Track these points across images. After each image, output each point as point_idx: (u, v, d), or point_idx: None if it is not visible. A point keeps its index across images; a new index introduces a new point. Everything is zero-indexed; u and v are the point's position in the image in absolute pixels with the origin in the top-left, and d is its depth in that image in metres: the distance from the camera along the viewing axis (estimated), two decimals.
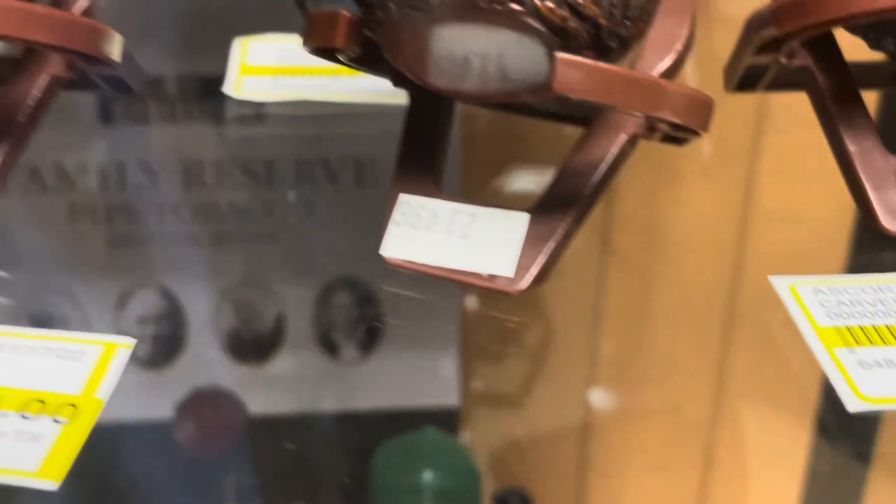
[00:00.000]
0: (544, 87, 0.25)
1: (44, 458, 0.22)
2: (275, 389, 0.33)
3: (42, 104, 0.31)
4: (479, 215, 0.29)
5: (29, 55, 0.31)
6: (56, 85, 0.31)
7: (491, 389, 0.32)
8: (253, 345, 0.36)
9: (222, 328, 0.36)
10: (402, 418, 0.32)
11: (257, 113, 0.40)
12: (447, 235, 0.29)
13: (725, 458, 0.29)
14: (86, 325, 0.36)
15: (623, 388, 0.32)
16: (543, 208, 0.28)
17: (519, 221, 0.28)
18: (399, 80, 0.31)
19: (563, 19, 0.24)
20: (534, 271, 0.27)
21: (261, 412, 0.31)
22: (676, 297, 0.33)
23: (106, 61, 0.30)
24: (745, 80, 0.35)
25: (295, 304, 0.37)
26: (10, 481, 0.22)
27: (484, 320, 0.33)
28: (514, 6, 0.24)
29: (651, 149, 0.31)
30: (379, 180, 0.41)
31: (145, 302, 0.36)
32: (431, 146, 0.30)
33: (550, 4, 0.24)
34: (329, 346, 0.37)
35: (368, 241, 0.37)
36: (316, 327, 0.38)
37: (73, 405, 0.24)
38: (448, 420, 0.35)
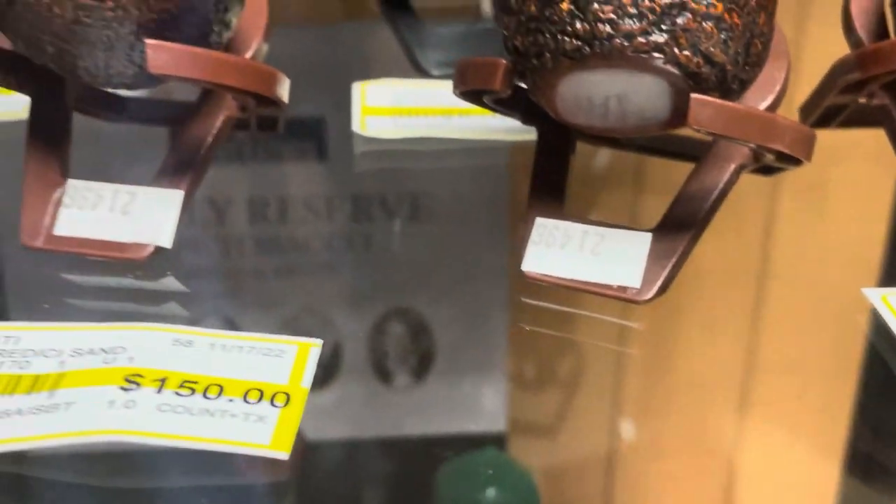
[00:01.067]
0: (678, 123, 0.29)
1: (272, 434, 0.26)
2: (330, 415, 0.35)
3: (217, 142, 0.35)
4: (607, 234, 0.33)
5: (207, 98, 0.35)
6: (229, 125, 0.35)
7: (532, 417, 0.35)
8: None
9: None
10: (452, 443, 0.34)
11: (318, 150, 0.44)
12: (579, 252, 0.33)
13: (750, 490, 0.32)
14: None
15: (647, 420, 0.35)
16: (663, 228, 0.33)
17: (642, 240, 0.32)
18: (528, 118, 0.36)
19: (698, 65, 0.28)
20: (658, 283, 0.32)
21: (316, 438, 0.33)
22: (700, 327, 0.36)
23: (278, 103, 0.34)
24: (821, 117, 0.39)
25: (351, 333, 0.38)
26: (248, 452, 0.26)
27: (528, 351, 0.36)
28: (657, 55, 0.28)
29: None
30: (433, 215, 0.44)
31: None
32: (558, 174, 0.35)
33: (687, 53, 0.28)
34: (383, 374, 0.39)
35: (421, 272, 0.41)
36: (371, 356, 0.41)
37: (286, 393, 0.28)
38: (496, 445, 0.35)
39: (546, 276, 0.33)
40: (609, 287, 0.32)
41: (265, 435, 0.26)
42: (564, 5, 0.28)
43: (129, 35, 0.30)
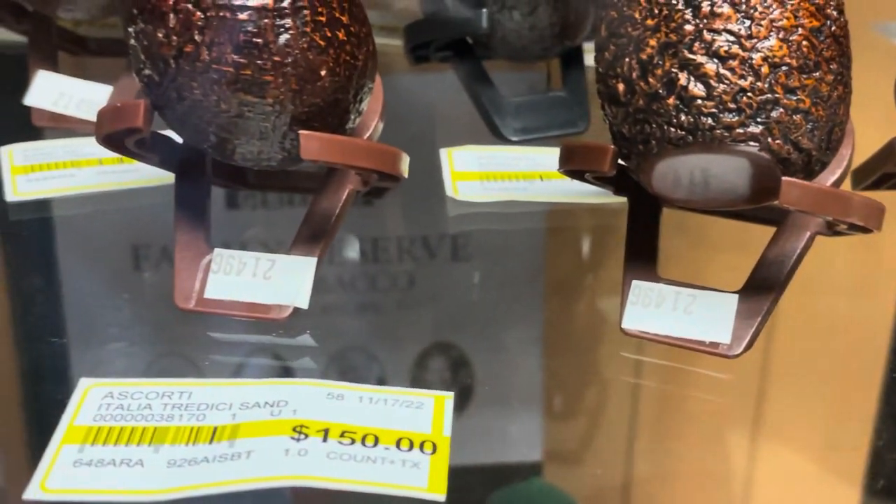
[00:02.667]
0: (765, 200, 0.33)
1: (427, 478, 0.30)
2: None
3: (343, 213, 0.39)
4: (698, 295, 0.37)
5: (334, 173, 0.39)
6: (353, 196, 0.40)
7: (565, 446, 0.39)
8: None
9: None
10: (493, 472, 0.36)
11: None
12: (673, 312, 0.37)
13: None
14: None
15: (662, 449, 0.38)
16: (748, 290, 0.37)
17: (730, 300, 0.37)
18: (620, 189, 0.40)
19: (788, 152, 0.33)
20: (746, 340, 0.36)
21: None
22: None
23: (399, 178, 0.38)
24: (875, 182, 0.44)
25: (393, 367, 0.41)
26: (408, 494, 0.30)
27: (562, 381, 0.40)
28: (752, 144, 0.32)
29: None
30: (471, 255, 0.48)
31: (234, 372, 0.39)
32: (650, 240, 0.39)
33: (779, 142, 0.32)
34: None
35: (461, 309, 0.44)
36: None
37: (432, 441, 0.32)
38: (534, 474, 0.38)
39: (644, 333, 0.37)
40: (702, 343, 0.36)
41: (422, 479, 0.30)
42: (671, 101, 0.33)
43: (283, 126, 0.34)
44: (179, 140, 0.39)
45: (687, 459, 0.37)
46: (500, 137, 0.52)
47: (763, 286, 0.36)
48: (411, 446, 0.31)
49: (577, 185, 0.47)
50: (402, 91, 0.59)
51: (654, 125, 0.33)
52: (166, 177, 0.43)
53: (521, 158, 0.50)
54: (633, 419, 0.38)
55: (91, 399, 0.33)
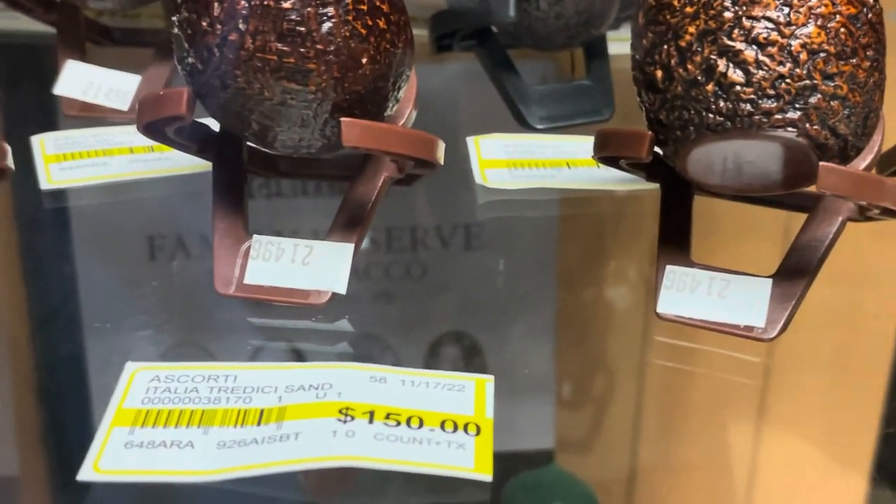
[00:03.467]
0: (801, 185, 0.34)
1: (474, 459, 0.31)
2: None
3: (379, 200, 0.40)
4: (732, 280, 0.37)
5: (370, 160, 0.40)
6: (388, 183, 0.40)
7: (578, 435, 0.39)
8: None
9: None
10: (506, 460, 0.35)
11: None
12: (707, 296, 0.37)
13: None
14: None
15: (666, 440, 0.39)
16: (782, 275, 0.37)
17: (764, 285, 0.37)
18: (652, 175, 0.40)
19: (825, 138, 0.33)
20: (781, 323, 0.36)
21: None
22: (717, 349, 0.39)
23: (436, 165, 0.39)
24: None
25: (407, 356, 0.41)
26: (455, 475, 0.31)
27: (574, 373, 0.41)
28: (791, 129, 0.33)
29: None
30: (484, 244, 0.49)
31: (275, 356, 0.40)
32: (683, 225, 0.39)
33: (817, 127, 0.33)
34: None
35: (475, 298, 0.45)
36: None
37: (476, 423, 0.32)
38: (546, 462, 0.38)
39: (679, 317, 0.37)
40: (737, 327, 0.36)
41: (468, 460, 0.31)
42: (709, 87, 0.33)
43: (325, 113, 0.35)
44: (216, 128, 0.40)
45: (696, 447, 0.38)
46: (525, 125, 0.52)
47: (796, 270, 0.37)
48: (456, 428, 0.32)
49: (603, 172, 0.47)
50: (426, 80, 0.59)
51: (692, 111, 0.33)
52: (198, 164, 0.43)
53: (546, 146, 0.51)
54: (640, 407, 0.39)
55: (138, 383, 0.33)
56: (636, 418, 0.39)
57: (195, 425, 0.32)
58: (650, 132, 0.35)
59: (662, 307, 0.37)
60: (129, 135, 0.50)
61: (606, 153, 0.37)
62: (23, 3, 0.53)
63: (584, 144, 0.51)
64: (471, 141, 0.50)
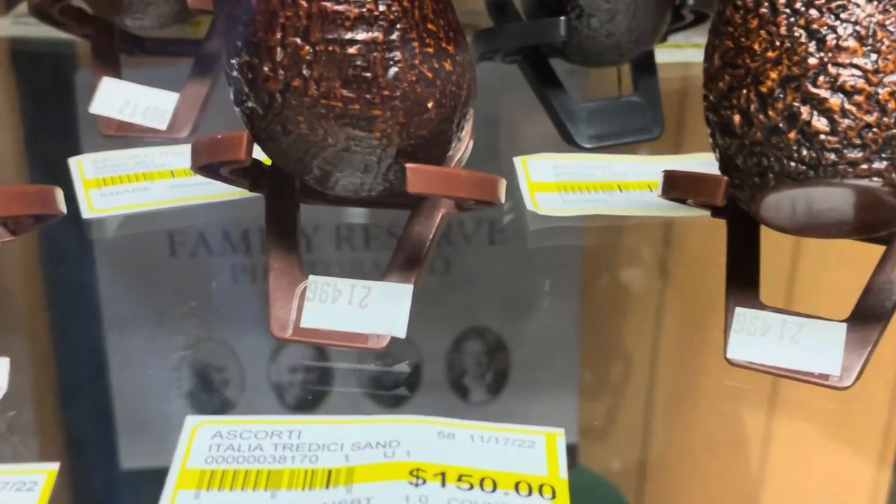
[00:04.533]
0: (881, 230, 0.33)
1: None
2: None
3: (436, 238, 0.39)
4: (804, 324, 0.36)
5: (427, 199, 0.39)
6: (446, 220, 0.39)
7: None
8: (391, 388, 0.39)
9: (364, 374, 0.39)
10: None
11: None
12: (779, 341, 0.36)
13: (779, 490, 0.34)
14: (242, 375, 0.40)
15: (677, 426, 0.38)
16: (856, 318, 0.36)
17: (838, 330, 0.36)
18: (718, 211, 0.39)
19: None
20: (856, 371, 0.35)
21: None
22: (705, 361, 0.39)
23: (497, 204, 0.38)
24: None
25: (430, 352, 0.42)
26: None
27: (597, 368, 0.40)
28: (876, 179, 0.32)
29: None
30: (507, 239, 0.48)
31: (296, 353, 0.40)
32: (751, 264, 0.38)
33: None
34: (460, 390, 0.41)
35: (497, 293, 0.44)
36: (449, 372, 0.43)
37: (550, 486, 0.31)
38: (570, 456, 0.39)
39: (750, 363, 0.36)
40: (811, 375, 0.35)
41: None
42: (792, 135, 0.32)
43: (389, 159, 0.34)
44: (268, 163, 0.39)
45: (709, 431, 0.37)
46: (572, 144, 0.51)
47: (871, 314, 0.36)
48: (530, 491, 0.31)
49: (656, 197, 0.46)
50: None
51: (772, 158, 0.32)
52: (238, 191, 0.42)
53: (596, 167, 0.49)
54: (653, 395, 0.38)
55: (200, 439, 0.32)
56: (649, 405, 0.38)
57: (262, 487, 0.31)
58: (725, 177, 0.33)
59: (732, 352, 0.36)
60: (169, 156, 0.49)
61: (676, 195, 0.36)
62: (56, 18, 0.52)
63: (635, 165, 0.50)
64: (518, 162, 0.49)
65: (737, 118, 0.33)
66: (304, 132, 0.33)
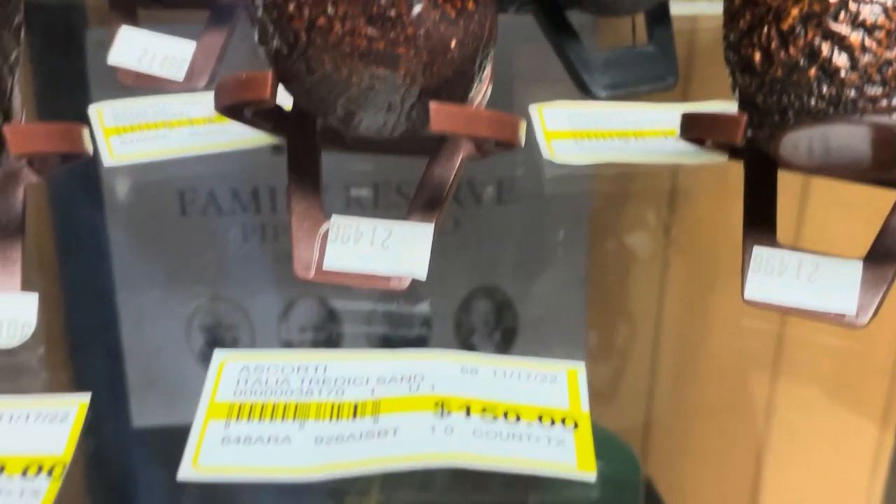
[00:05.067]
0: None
1: (576, 456, 0.31)
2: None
3: (457, 180, 0.39)
4: (821, 263, 0.37)
5: (447, 141, 0.39)
6: (465, 163, 0.39)
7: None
8: (400, 347, 0.39)
9: (374, 333, 0.40)
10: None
11: None
12: (796, 280, 0.37)
13: (781, 451, 0.35)
14: (252, 334, 0.41)
15: (682, 386, 0.38)
16: (873, 258, 0.36)
17: (855, 268, 0.36)
18: (735, 154, 0.40)
19: None
20: (872, 310, 0.36)
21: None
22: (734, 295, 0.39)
23: (517, 146, 0.38)
24: None
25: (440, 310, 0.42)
26: (559, 474, 0.30)
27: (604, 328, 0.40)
28: None
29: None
30: (517, 198, 0.48)
31: (306, 312, 0.41)
32: (768, 205, 0.38)
33: None
34: (468, 348, 0.42)
35: (506, 253, 0.44)
36: (457, 331, 0.44)
37: (573, 417, 0.32)
38: None
39: (767, 303, 0.37)
40: (827, 314, 0.36)
41: (570, 456, 0.30)
42: (812, 72, 0.32)
43: (412, 98, 0.34)
44: (289, 106, 0.39)
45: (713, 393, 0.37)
46: (587, 93, 0.51)
47: (887, 254, 0.36)
48: (553, 422, 0.31)
49: (672, 144, 0.46)
50: None
51: (792, 96, 0.32)
52: (259, 138, 0.43)
53: (611, 115, 0.50)
54: (658, 355, 0.38)
55: (228, 373, 0.33)
56: (654, 366, 0.38)
57: (290, 419, 0.31)
58: (744, 116, 0.34)
59: (750, 292, 0.37)
60: (188, 105, 0.49)
61: (695, 135, 0.36)
62: None
63: (649, 113, 0.50)
64: (534, 110, 0.49)
65: (757, 56, 0.33)
66: (328, 71, 0.33)
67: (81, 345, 0.37)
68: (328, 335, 0.39)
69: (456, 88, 0.35)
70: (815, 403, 0.35)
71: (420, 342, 0.41)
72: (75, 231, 0.43)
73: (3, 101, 0.33)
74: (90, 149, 0.36)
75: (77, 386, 0.34)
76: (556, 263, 0.43)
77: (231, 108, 0.36)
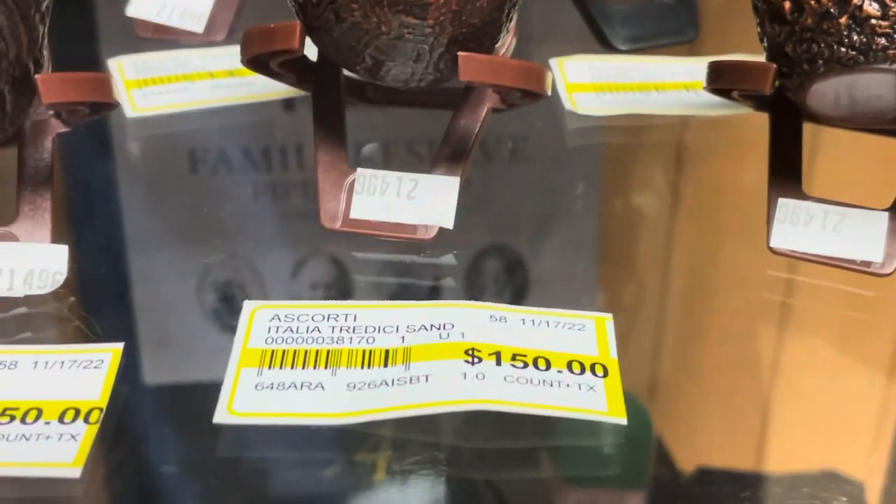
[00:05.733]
0: None
1: (606, 401, 0.31)
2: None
3: (482, 131, 0.39)
4: (847, 213, 0.37)
5: (472, 92, 0.39)
6: (490, 114, 0.39)
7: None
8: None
9: (384, 291, 0.39)
10: None
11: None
12: (822, 230, 0.37)
13: (788, 407, 0.35)
14: (263, 292, 0.40)
15: (689, 344, 0.39)
16: None
17: (880, 218, 0.37)
18: (760, 106, 0.40)
19: None
20: None
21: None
22: (742, 252, 0.39)
23: (543, 95, 0.38)
24: None
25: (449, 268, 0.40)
26: (590, 418, 0.31)
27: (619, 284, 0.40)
28: None
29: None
30: (529, 157, 0.48)
31: (317, 270, 0.41)
32: (793, 156, 0.39)
33: None
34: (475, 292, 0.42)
35: (517, 211, 0.44)
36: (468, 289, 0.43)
37: (602, 364, 0.32)
38: None
39: (793, 251, 0.37)
40: (853, 262, 0.36)
41: (601, 402, 0.31)
42: (843, 20, 0.32)
43: (440, 47, 0.34)
44: (314, 58, 0.39)
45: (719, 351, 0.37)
46: (607, 46, 0.51)
47: None
48: (583, 369, 0.32)
49: (693, 97, 0.46)
50: None
51: (822, 44, 0.32)
52: (280, 91, 0.43)
53: (632, 68, 0.50)
54: (666, 314, 0.38)
55: (259, 322, 0.33)
56: (661, 325, 0.38)
57: (322, 366, 0.32)
58: (773, 65, 0.34)
59: (776, 241, 0.37)
60: (207, 58, 0.49)
61: (722, 85, 0.36)
62: None
63: (670, 66, 0.50)
64: (555, 63, 0.49)
65: (787, 4, 0.33)
66: (357, 20, 0.33)
67: (92, 300, 0.37)
68: (340, 292, 0.39)
69: (484, 38, 0.35)
70: (823, 359, 0.35)
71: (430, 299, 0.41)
72: (86, 185, 0.43)
73: (35, 50, 0.33)
74: (117, 99, 0.36)
75: (88, 339, 0.34)
76: (569, 220, 0.43)
77: (256, 60, 0.36)
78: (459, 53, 0.33)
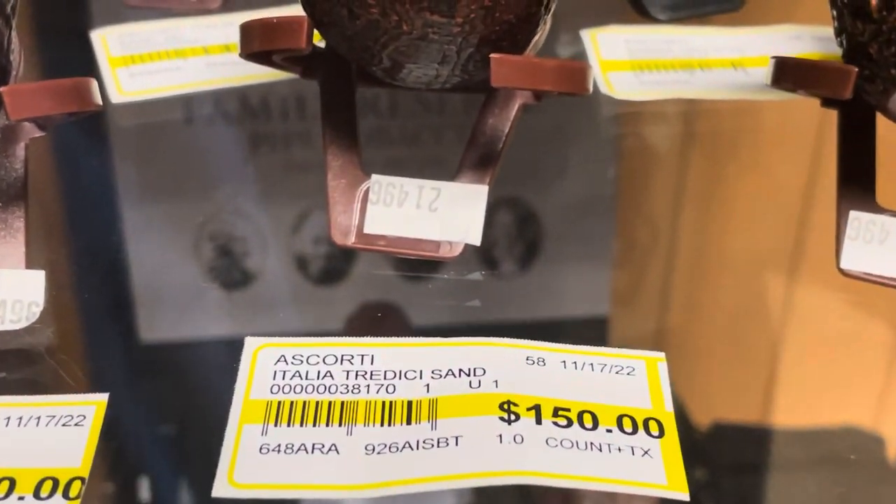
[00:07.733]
0: None
1: (664, 471, 0.27)
2: (437, 305, 0.35)
3: (512, 132, 0.34)
4: None
5: (500, 90, 0.34)
6: (521, 111, 0.35)
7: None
8: (418, 261, 0.36)
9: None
10: (558, 327, 0.36)
11: None
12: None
13: (796, 353, 0.33)
14: (264, 246, 0.38)
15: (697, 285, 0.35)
16: None
17: None
18: (828, 103, 0.35)
19: None
20: None
21: (423, 324, 0.34)
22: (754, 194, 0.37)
23: (583, 94, 0.33)
24: None
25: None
26: (646, 493, 0.26)
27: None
28: None
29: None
30: (543, 111, 0.43)
31: (319, 223, 0.38)
32: (866, 162, 0.34)
33: None
34: (490, 262, 0.39)
35: (529, 163, 0.40)
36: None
37: (657, 420, 0.28)
38: (599, 328, 0.37)
39: (867, 274, 0.32)
40: None
41: (659, 473, 0.27)
42: None
43: (469, 48, 0.29)
44: (321, 46, 0.34)
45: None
46: (645, 16, 0.46)
47: None
48: (635, 427, 0.28)
49: (742, 76, 0.42)
50: None
51: None
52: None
53: (673, 41, 0.45)
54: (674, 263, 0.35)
55: (263, 364, 0.29)
56: (669, 273, 0.35)
57: (336, 423, 0.27)
58: (855, 69, 0.29)
59: (847, 262, 0.33)
60: (201, 30, 0.45)
61: (789, 86, 0.32)
62: None
63: (715, 39, 0.45)
64: (586, 36, 0.44)
65: (874, 0, 0.28)
66: (375, 17, 0.28)
67: (84, 260, 0.33)
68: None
69: (519, 36, 0.30)
70: (832, 305, 0.34)
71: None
72: (65, 194, 0.39)
73: (0, 56, 0.28)
74: (100, 101, 0.32)
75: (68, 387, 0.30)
76: (585, 176, 0.39)
77: (259, 55, 0.32)
78: (492, 56, 0.29)
